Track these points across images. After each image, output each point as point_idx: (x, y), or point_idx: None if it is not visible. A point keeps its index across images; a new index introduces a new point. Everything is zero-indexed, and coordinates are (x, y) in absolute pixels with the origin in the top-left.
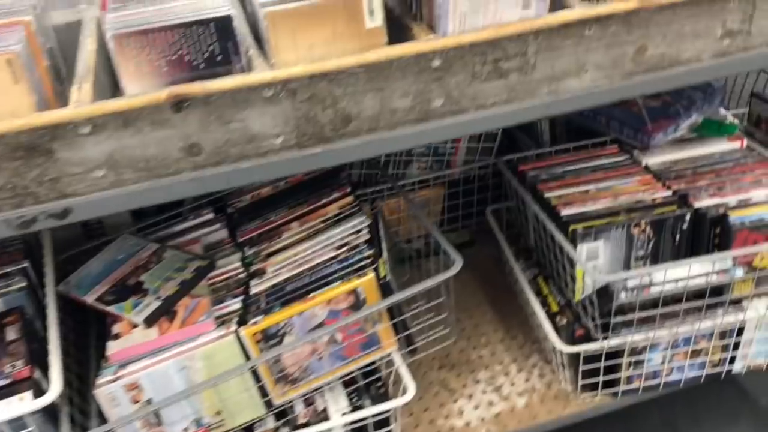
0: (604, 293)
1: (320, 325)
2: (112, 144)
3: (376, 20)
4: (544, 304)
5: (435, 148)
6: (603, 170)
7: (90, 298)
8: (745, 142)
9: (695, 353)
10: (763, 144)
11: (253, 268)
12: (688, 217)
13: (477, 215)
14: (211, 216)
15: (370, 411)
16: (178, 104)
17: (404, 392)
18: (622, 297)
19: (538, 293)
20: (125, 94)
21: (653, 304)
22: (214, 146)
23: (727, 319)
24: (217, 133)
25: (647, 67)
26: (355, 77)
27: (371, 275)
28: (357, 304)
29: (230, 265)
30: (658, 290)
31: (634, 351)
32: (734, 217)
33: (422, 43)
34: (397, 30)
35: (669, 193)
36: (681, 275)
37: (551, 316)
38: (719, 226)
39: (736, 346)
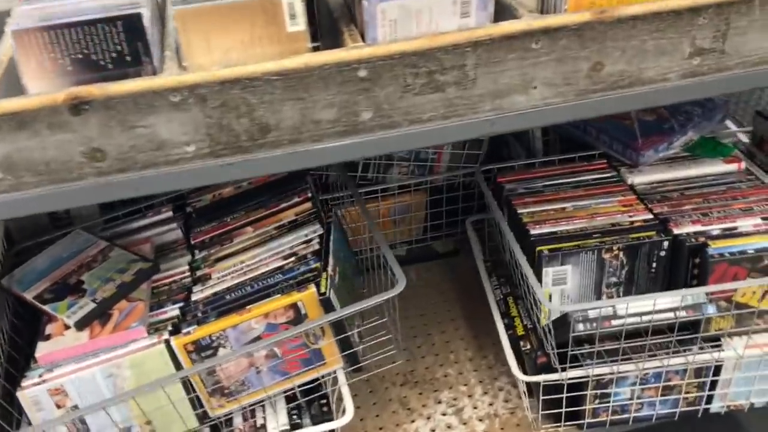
0: (562, 323)
1: (257, 339)
2: (7, 146)
3: (298, 24)
4: (511, 326)
5: (416, 152)
6: (585, 187)
7: (29, 295)
8: (743, 164)
9: (667, 389)
10: (762, 167)
11: (199, 273)
12: (665, 245)
13: (462, 224)
14: (169, 214)
15: (311, 430)
16: (77, 106)
17: (343, 414)
18: (580, 328)
19: (507, 314)
20: (27, 94)
21: (623, 336)
22: (118, 152)
23: (700, 357)
24: (120, 138)
25: (605, 85)
26: (271, 85)
27: (312, 290)
28: (297, 319)
29: (178, 268)
30: (620, 323)
31: (600, 384)
32: (714, 248)
33: (345, 52)
34: (335, 35)
35: (650, 216)
36: (645, 309)
37: (515, 340)
38: (698, 257)
39: (714, 384)
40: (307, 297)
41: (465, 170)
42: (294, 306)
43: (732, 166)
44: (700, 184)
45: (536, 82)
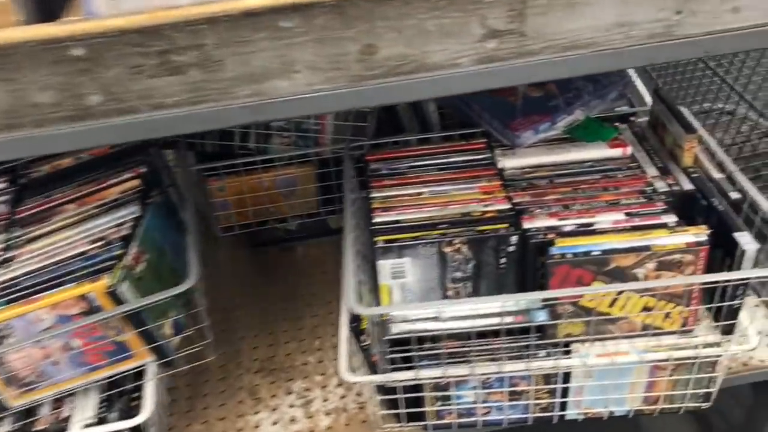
0: (378, 323)
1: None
2: None
3: None
4: (357, 318)
5: (297, 122)
6: (453, 170)
7: None
8: (629, 149)
9: (516, 394)
10: (650, 153)
11: (9, 254)
12: (513, 239)
13: None
14: (2, 185)
15: (104, 428)
16: None
17: (141, 411)
18: (398, 329)
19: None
20: None
21: (466, 337)
22: None
23: (541, 363)
24: None
25: (384, 70)
26: None
27: (104, 281)
28: (90, 311)
29: None
30: (441, 326)
31: (438, 386)
32: (558, 247)
33: (53, 27)
34: None
35: (507, 206)
36: (473, 312)
37: (359, 334)
38: (543, 255)
39: (566, 391)
40: (98, 288)
41: (354, 144)
42: (85, 297)
43: (616, 151)
44: (575, 170)
45: (298, 65)
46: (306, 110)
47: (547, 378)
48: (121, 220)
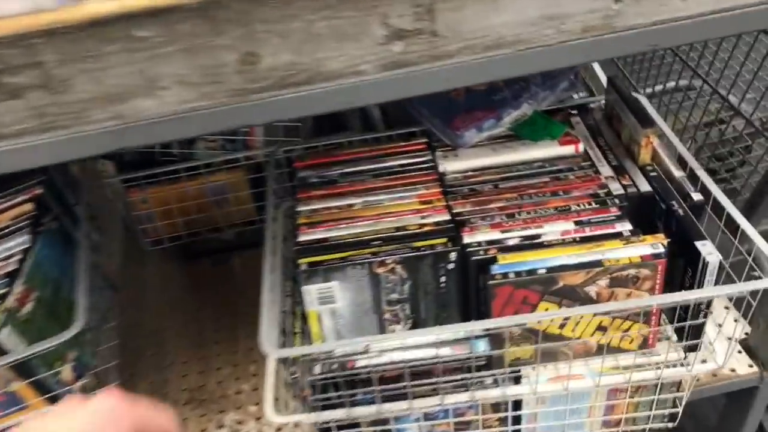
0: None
1: None
2: None
3: None
4: (287, 344)
5: None
6: (389, 175)
7: None
8: (581, 146)
9: (464, 424)
10: (605, 149)
11: None
12: (452, 257)
13: None
14: None
15: None
16: None
17: None
18: (318, 369)
19: (286, 332)
20: None
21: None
22: None
23: (486, 393)
24: None
25: (271, 82)
26: None
27: None
28: None
29: None
30: (376, 360)
31: (377, 420)
32: (501, 265)
33: None
34: None
35: (447, 217)
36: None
37: (289, 365)
38: (485, 274)
39: (518, 419)
40: None
41: (286, 146)
42: None
43: (568, 148)
44: (522, 173)
45: (165, 81)
46: (182, 132)
47: (497, 406)
48: (9, 253)
